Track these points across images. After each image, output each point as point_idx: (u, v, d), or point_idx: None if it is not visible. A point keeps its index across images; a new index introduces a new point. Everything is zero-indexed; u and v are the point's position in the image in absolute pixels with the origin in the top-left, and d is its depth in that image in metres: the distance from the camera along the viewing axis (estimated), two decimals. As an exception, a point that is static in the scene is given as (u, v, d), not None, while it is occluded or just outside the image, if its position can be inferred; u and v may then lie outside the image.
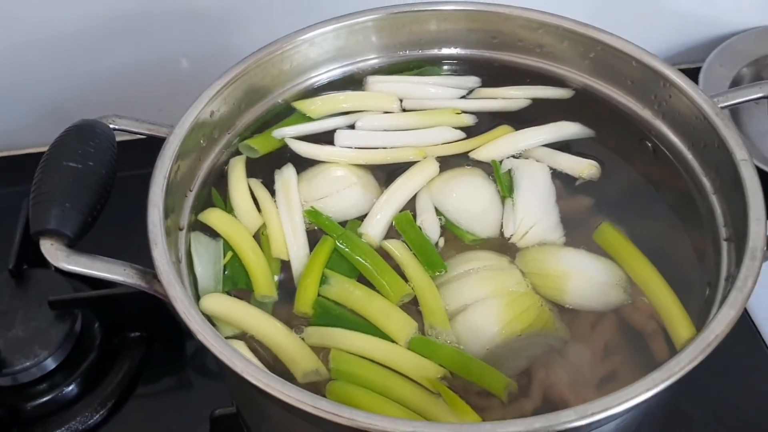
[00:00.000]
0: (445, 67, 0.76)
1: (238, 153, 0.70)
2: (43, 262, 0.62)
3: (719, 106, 0.63)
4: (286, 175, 0.67)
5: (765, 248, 0.54)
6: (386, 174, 0.68)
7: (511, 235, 0.64)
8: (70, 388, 0.76)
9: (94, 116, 0.65)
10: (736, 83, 0.99)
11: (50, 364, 0.75)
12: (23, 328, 0.76)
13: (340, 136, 0.70)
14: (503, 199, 0.66)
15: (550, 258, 0.62)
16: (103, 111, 0.92)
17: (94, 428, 0.74)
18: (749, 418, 0.73)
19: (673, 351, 0.57)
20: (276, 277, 0.62)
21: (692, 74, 0.99)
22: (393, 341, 0.58)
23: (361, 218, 0.65)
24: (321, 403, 0.47)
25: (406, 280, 0.61)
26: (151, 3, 0.88)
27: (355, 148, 0.69)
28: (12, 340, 0.74)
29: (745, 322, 0.79)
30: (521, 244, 0.64)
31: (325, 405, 0.47)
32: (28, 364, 0.74)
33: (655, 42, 1.06)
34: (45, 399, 0.74)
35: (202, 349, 0.59)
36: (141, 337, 0.80)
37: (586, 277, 0.61)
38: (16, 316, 0.76)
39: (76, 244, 0.57)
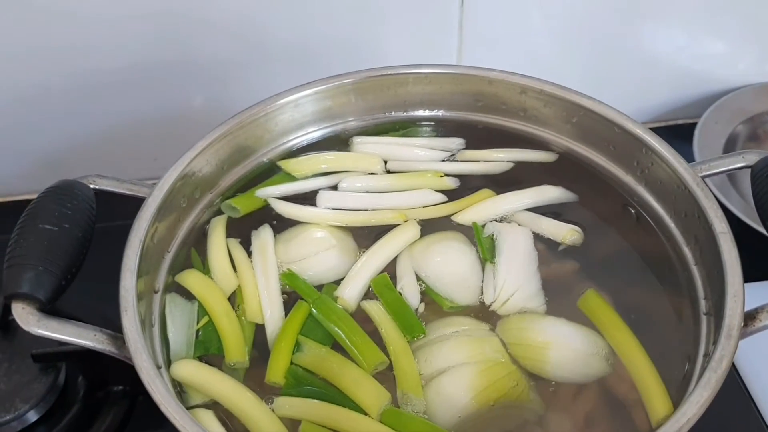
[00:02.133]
0: (430, 129, 0.76)
1: (219, 212, 0.70)
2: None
3: (700, 175, 0.63)
4: (263, 236, 0.67)
5: (741, 326, 0.53)
6: (368, 236, 0.68)
7: (492, 302, 0.63)
8: (52, 441, 0.75)
9: (88, 165, 0.66)
10: (731, 141, 0.98)
11: (32, 417, 0.75)
12: (6, 380, 0.75)
13: (322, 198, 0.70)
14: (484, 262, 0.66)
15: (531, 327, 0.61)
16: (97, 160, 0.94)
17: (75, 482, 0.74)
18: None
19: (654, 424, 0.55)
20: (249, 343, 0.61)
21: (688, 130, 0.99)
22: (365, 412, 0.57)
23: (339, 282, 0.64)
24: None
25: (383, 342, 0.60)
26: (145, 57, 0.89)
27: (337, 209, 0.69)
28: (-6, 393, 0.74)
29: (733, 381, 0.77)
30: (502, 311, 0.63)
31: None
32: (8, 417, 0.73)
33: (651, 98, 1.06)
34: (26, 453, 0.74)
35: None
36: (125, 391, 0.79)
37: (567, 348, 0.60)
38: (0, 368, 0.76)
39: (48, 307, 0.57)
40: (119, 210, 0.63)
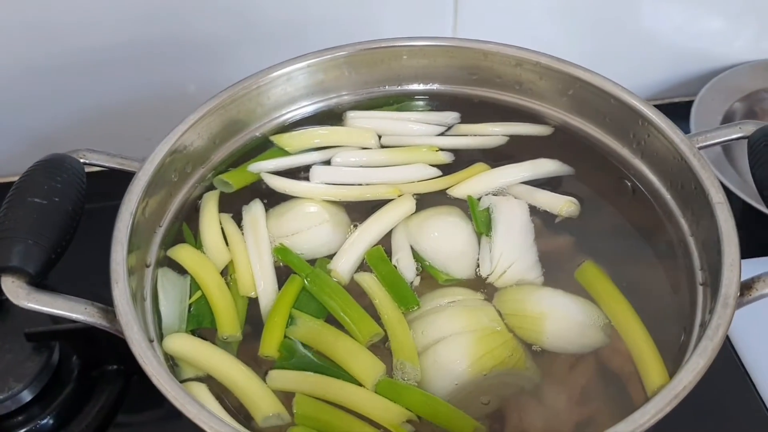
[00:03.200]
0: (425, 103, 0.76)
1: (212, 187, 0.69)
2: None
3: (697, 146, 0.62)
4: (254, 211, 0.66)
5: (738, 295, 0.52)
6: (361, 211, 0.67)
7: (489, 275, 0.63)
8: (46, 420, 0.74)
9: (80, 146, 0.66)
10: (727, 118, 0.97)
11: (25, 396, 0.74)
12: (-2, 359, 0.75)
13: (315, 173, 0.69)
14: (479, 236, 0.65)
15: (528, 298, 0.61)
16: (88, 140, 0.93)
17: (68, 462, 0.73)
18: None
19: (649, 396, 0.55)
20: (242, 316, 0.60)
21: (685, 108, 0.98)
22: (360, 383, 0.56)
23: (331, 257, 0.64)
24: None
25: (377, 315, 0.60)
26: (139, 34, 0.89)
27: (330, 184, 0.68)
28: (-14, 372, 0.74)
29: (728, 354, 0.77)
30: (499, 283, 0.63)
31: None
32: (1, 396, 0.73)
33: (648, 75, 1.06)
34: (20, 432, 0.73)
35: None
36: (119, 371, 0.79)
37: (564, 318, 0.60)
38: (-7, 347, 0.76)
39: (38, 281, 0.56)
40: (111, 190, 0.63)
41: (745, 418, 0.73)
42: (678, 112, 0.99)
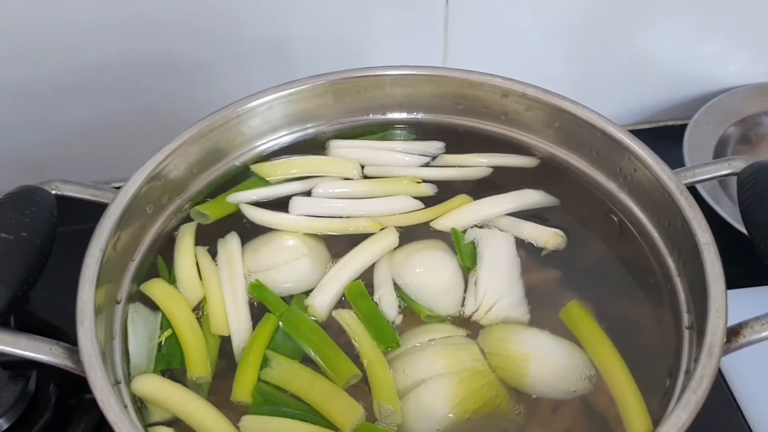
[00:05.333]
0: (409, 132, 0.74)
1: (188, 218, 0.68)
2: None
3: (685, 182, 0.60)
4: (230, 245, 0.65)
5: (724, 343, 0.50)
6: (341, 245, 0.66)
7: (474, 312, 0.61)
8: (22, 450, 0.73)
9: (62, 167, 0.64)
10: (722, 143, 0.96)
11: (2, 425, 0.73)
12: (-27, 389, 0.74)
13: (295, 204, 0.67)
14: (465, 269, 0.64)
15: (512, 338, 0.59)
16: (71, 162, 0.91)
17: (46, 491, 0.72)
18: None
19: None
20: (213, 356, 0.59)
21: (678, 131, 0.97)
22: (338, 428, 0.55)
23: (309, 293, 0.62)
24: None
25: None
26: (124, 55, 0.87)
27: (311, 216, 0.67)
28: (-39, 402, 0.72)
29: (722, 391, 0.74)
30: (484, 321, 0.61)
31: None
32: (-23, 426, 0.72)
33: (642, 98, 1.04)
34: (-3, 461, 0.72)
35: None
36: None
37: (548, 362, 0.58)
38: (-33, 376, 0.74)
39: (3, 320, 0.54)
40: (90, 213, 0.61)
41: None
42: (672, 135, 0.98)
